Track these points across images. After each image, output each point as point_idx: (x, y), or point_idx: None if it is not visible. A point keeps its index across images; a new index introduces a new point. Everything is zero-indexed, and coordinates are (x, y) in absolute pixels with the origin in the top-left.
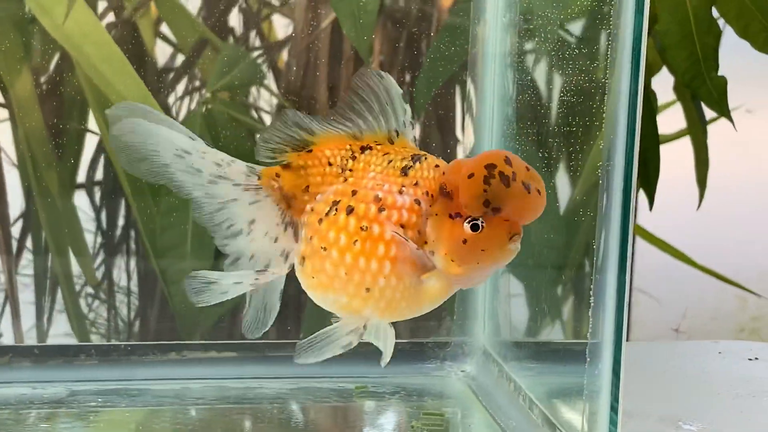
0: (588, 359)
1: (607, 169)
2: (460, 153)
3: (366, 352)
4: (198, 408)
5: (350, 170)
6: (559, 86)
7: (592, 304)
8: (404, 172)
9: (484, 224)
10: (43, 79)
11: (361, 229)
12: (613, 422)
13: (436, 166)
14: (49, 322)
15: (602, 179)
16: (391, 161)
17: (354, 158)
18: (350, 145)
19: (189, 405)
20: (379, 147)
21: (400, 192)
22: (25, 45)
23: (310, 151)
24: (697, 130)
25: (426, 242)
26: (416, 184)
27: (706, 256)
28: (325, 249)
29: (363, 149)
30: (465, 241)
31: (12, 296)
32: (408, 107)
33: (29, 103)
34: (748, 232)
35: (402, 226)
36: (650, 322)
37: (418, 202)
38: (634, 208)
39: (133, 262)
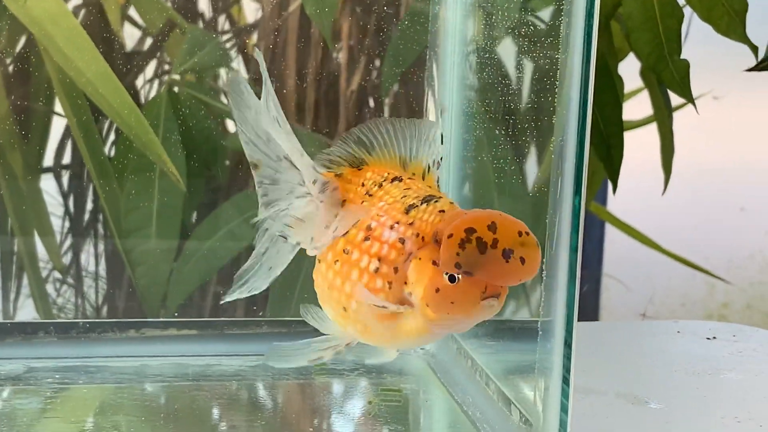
0: (540, 334)
1: (560, 145)
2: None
3: None
4: (156, 385)
5: (370, 195)
6: (520, 65)
7: (543, 279)
8: (407, 210)
9: (460, 278)
10: (8, 62)
11: (344, 252)
12: (565, 395)
13: (441, 211)
14: (15, 305)
15: (555, 156)
16: (405, 197)
17: (380, 186)
18: (387, 173)
19: (148, 382)
20: (408, 181)
21: (392, 227)
22: None
23: (361, 169)
24: (662, 116)
25: (406, 282)
26: (411, 224)
27: (675, 243)
28: (319, 261)
29: (393, 180)
30: (438, 290)
31: None
32: (442, 149)
33: None
34: (718, 219)
35: (379, 259)
36: (618, 307)
37: (402, 240)
38: (586, 186)
39: (99, 245)
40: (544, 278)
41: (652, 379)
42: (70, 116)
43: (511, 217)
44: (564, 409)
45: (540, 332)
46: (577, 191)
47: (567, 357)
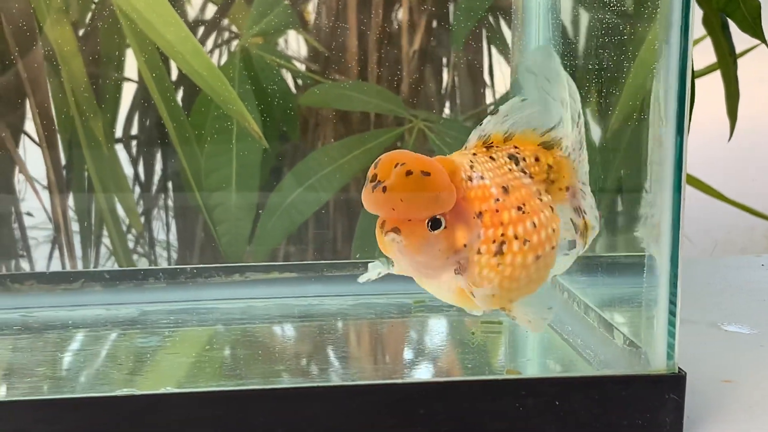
0: (647, 267)
1: (661, 87)
2: (489, 98)
3: None
4: (264, 324)
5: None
6: (594, 24)
7: (648, 218)
8: None
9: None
10: (84, 31)
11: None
12: (671, 324)
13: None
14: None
15: (653, 97)
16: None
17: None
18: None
19: (257, 321)
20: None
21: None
22: None
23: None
24: (726, 63)
25: None
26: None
27: (737, 193)
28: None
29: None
30: None
31: (66, 232)
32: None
33: (72, 53)
34: None
35: None
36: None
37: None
38: (688, 122)
39: (180, 205)
40: (650, 218)
41: (740, 308)
42: (149, 81)
43: (407, 152)
44: (671, 335)
45: (647, 265)
46: (679, 131)
47: (674, 285)
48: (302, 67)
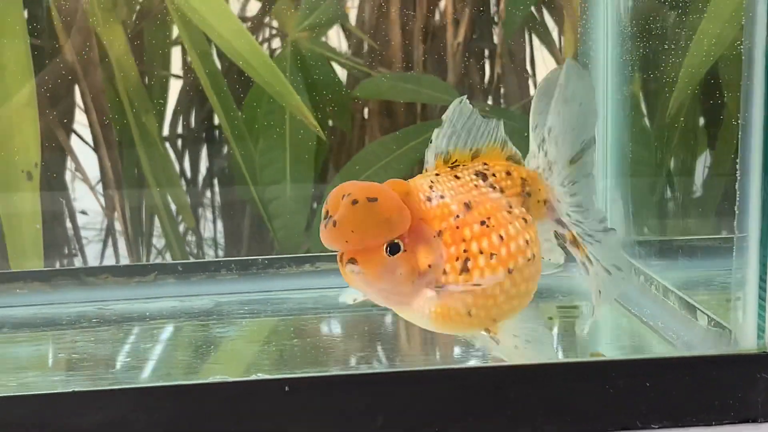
0: (735, 247)
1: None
2: (532, 89)
3: None
4: (341, 314)
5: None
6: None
7: (738, 201)
8: None
9: None
10: (135, 27)
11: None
12: (762, 303)
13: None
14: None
15: (744, 80)
16: None
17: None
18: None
19: (331, 310)
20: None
21: None
22: None
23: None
24: None
25: None
26: None
27: None
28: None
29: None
30: None
31: (125, 227)
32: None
33: (122, 50)
34: None
35: None
36: None
37: None
38: None
39: (234, 200)
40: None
41: None
42: (203, 77)
43: (353, 183)
44: (762, 315)
45: (736, 246)
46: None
47: (764, 265)
48: (351, 61)
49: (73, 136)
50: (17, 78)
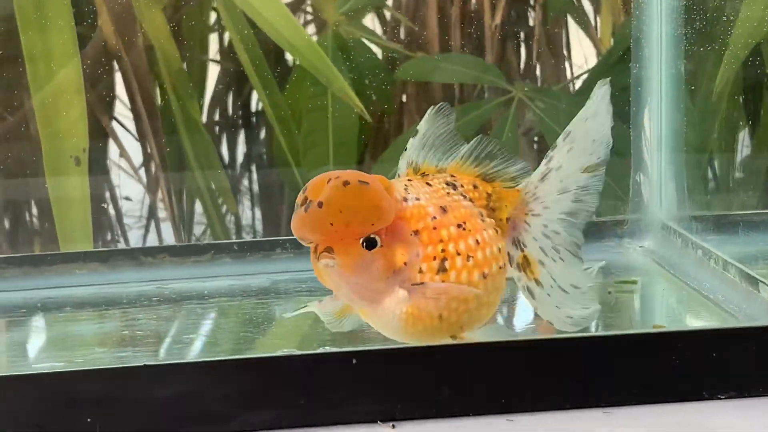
0: None
1: None
2: (568, 73)
3: None
4: None
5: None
6: None
7: None
8: None
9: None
10: (175, 12)
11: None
12: None
13: None
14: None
15: None
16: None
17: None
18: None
19: None
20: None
21: None
22: None
23: None
24: None
25: None
26: None
27: None
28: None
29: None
30: None
31: (171, 210)
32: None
33: (165, 35)
34: None
35: None
36: None
37: None
38: None
39: (279, 180)
40: None
41: None
42: (246, 62)
43: (344, 172)
44: None
45: None
46: None
47: None
48: (391, 43)
49: (116, 123)
50: (65, 65)
